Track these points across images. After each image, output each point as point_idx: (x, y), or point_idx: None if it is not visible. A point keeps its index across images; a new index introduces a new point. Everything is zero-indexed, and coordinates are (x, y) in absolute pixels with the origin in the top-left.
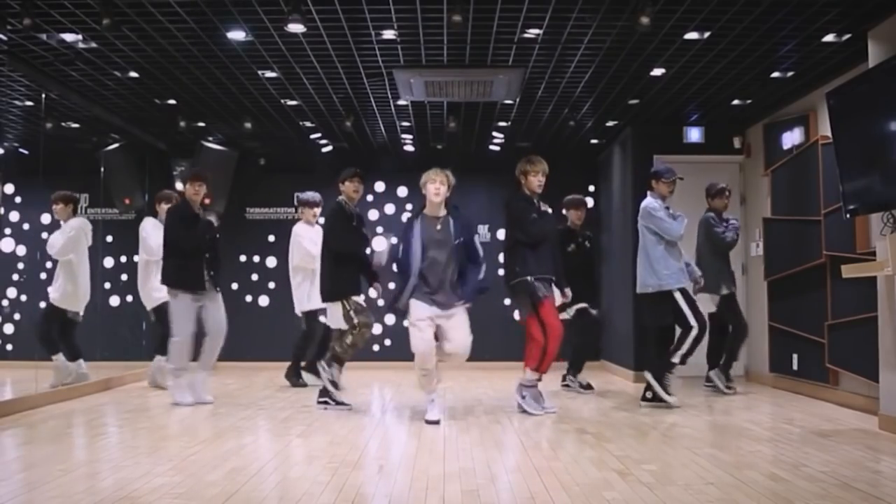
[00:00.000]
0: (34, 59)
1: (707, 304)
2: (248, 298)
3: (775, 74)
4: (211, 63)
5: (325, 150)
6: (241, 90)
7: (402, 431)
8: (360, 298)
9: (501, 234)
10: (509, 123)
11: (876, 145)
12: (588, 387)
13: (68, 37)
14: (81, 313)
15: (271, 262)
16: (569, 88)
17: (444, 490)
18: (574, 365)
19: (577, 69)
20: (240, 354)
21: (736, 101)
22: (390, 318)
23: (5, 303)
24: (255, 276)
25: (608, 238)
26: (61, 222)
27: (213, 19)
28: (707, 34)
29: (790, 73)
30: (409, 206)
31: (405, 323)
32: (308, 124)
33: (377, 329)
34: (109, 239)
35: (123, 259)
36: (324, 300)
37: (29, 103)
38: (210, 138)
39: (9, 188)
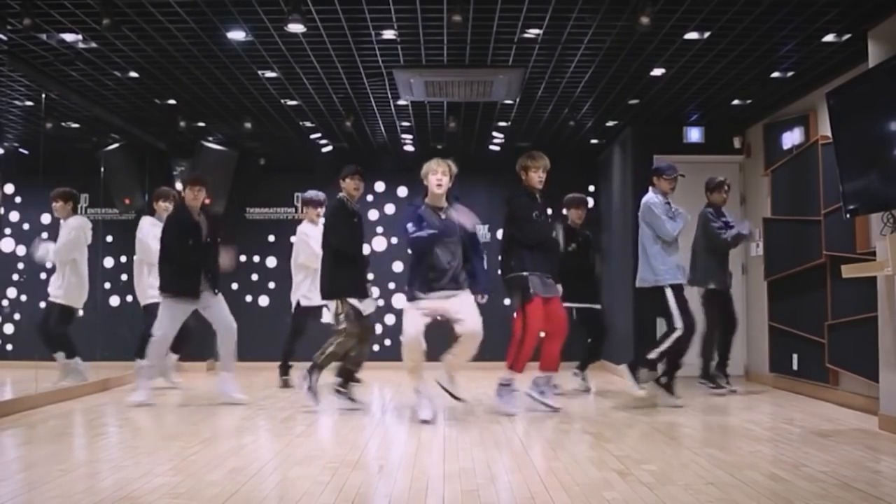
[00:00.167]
0: (34, 59)
1: (695, 297)
2: (248, 298)
3: (775, 74)
4: (211, 63)
5: (325, 150)
6: (241, 90)
7: (402, 431)
8: (363, 304)
9: (501, 234)
10: (509, 123)
11: (876, 145)
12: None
13: (68, 37)
14: (81, 311)
15: (271, 262)
16: (569, 88)
17: (444, 490)
18: (584, 361)
19: (577, 69)
20: (240, 354)
21: (736, 101)
22: (390, 319)
23: (5, 303)
24: (255, 276)
25: (608, 237)
26: (61, 220)
27: (213, 19)
28: (707, 34)
29: (790, 73)
30: None
31: (404, 307)
32: (308, 124)
33: (377, 329)
34: (109, 239)
35: (123, 259)
36: (322, 298)
37: (29, 103)
38: (210, 138)
39: (9, 188)
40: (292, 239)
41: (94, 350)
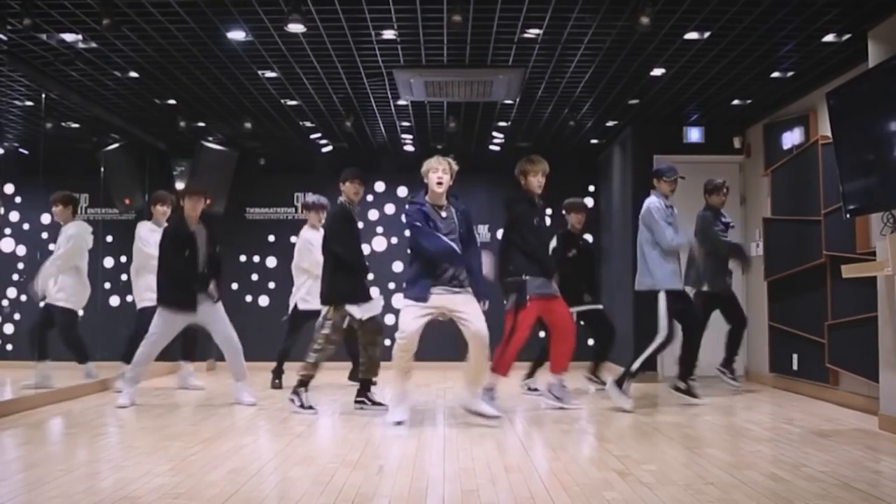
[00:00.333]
0: (34, 59)
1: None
2: (248, 298)
3: (775, 74)
4: (211, 63)
5: (325, 150)
6: (241, 90)
7: (402, 431)
8: (366, 307)
9: (501, 236)
10: (509, 123)
11: (876, 145)
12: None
13: (68, 37)
14: (81, 311)
15: (271, 262)
16: (569, 88)
17: (444, 490)
18: (595, 364)
19: (577, 69)
20: None
21: (736, 101)
22: (390, 319)
23: (5, 303)
24: (255, 276)
25: (608, 238)
26: (61, 224)
27: (213, 19)
28: (707, 34)
29: (790, 73)
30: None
31: (401, 304)
32: (308, 124)
33: None
34: (109, 239)
35: (123, 259)
36: (322, 303)
37: (29, 103)
38: (210, 138)
39: (9, 188)
40: (293, 239)
41: (94, 350)
